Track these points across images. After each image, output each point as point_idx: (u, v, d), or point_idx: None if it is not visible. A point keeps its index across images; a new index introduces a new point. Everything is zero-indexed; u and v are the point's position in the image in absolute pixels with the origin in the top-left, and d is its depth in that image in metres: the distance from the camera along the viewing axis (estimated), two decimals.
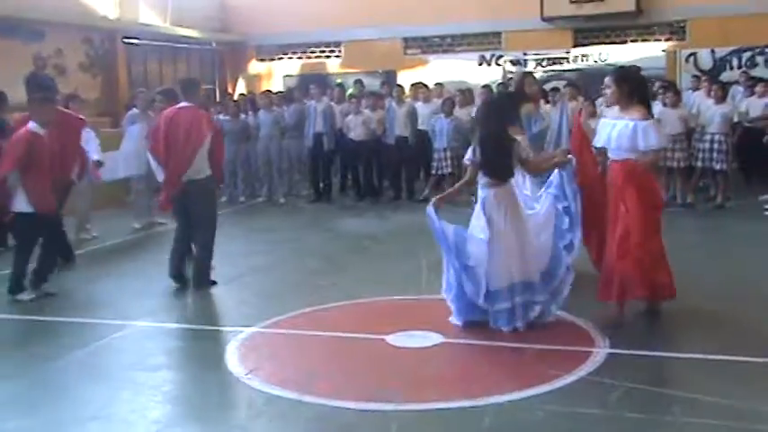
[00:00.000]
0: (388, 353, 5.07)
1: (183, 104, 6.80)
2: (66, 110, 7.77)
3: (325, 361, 5.01)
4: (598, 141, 5.58)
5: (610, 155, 5.50)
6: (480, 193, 5.42)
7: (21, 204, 6.37)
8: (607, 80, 5.52)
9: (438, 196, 5.70)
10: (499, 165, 5.33)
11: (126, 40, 14.36)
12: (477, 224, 5.36)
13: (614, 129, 5.38)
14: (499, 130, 5.40)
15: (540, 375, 4.50)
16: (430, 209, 5.35)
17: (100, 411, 4.32)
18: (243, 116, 12.32)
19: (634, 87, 5.43)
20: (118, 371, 4.93)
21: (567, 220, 5.44)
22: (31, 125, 6.46)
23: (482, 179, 5.38)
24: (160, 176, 6.81)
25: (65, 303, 6.51)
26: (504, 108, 5.78)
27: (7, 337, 5.70)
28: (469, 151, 5.51)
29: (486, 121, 5.56)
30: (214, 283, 6.86)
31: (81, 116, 8.13)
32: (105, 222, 7.27)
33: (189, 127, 6.59)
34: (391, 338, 5.24)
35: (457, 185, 5.96)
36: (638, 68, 5.96)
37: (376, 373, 4.76)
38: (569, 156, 5.69)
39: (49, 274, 6.69)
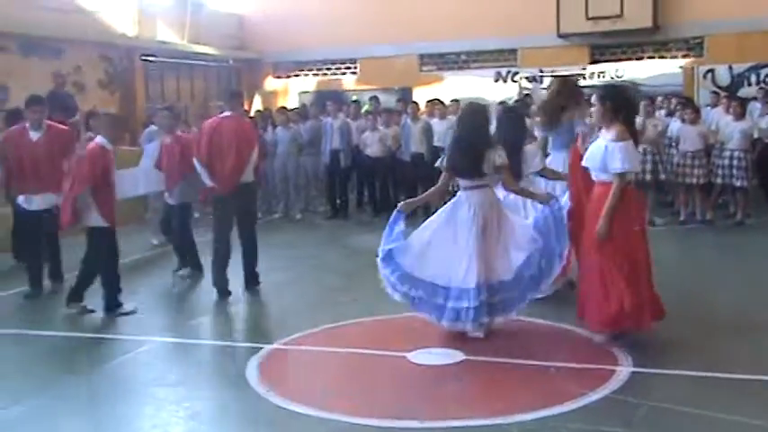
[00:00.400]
0: (410, 370, 5.04)
1: (226, 114, 7.22)
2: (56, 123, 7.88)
3: (345, 378, 4.99)
4: (584, 161, 5.46)
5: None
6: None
7: (94, 219, 6.42)
8: (593, 98, 5.39)
9: (407, 201, 5.82)
10: (465, 166, 5.43)
11: (144, 58, 14.48)
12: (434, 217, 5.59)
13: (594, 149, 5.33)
14: (473, 134, 5.46)
15: (564, 393, 4.45)
16: (396, 211, 5.57)
17: (123, 427, 4.33)
18: (260, 132, 12.35)
19: (618, 106, 5.22)
20: (140, 386, 4.93)
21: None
22: (100, 140, 6.54)
23: (459, 182, 5.58)
24: (207, 180, 7.11)
25: (86, 319, 6.52)
26: (484, 115, 5.61)
27: (31, 352, 5.71)
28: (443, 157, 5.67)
29: (462, 124, 5.66)
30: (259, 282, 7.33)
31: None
32: (124, 239, 7.27)
33: (237, 134, 7.05)
34: (412, 355, 5.21)
35: (429, 191, 6.01)
36: (628, 86, 5.65)
37: (398, 391, 4.74)
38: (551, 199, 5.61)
39: (86, 290, 6.66)
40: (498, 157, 5.43)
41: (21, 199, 7.31)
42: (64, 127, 7.77)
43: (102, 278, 6.51)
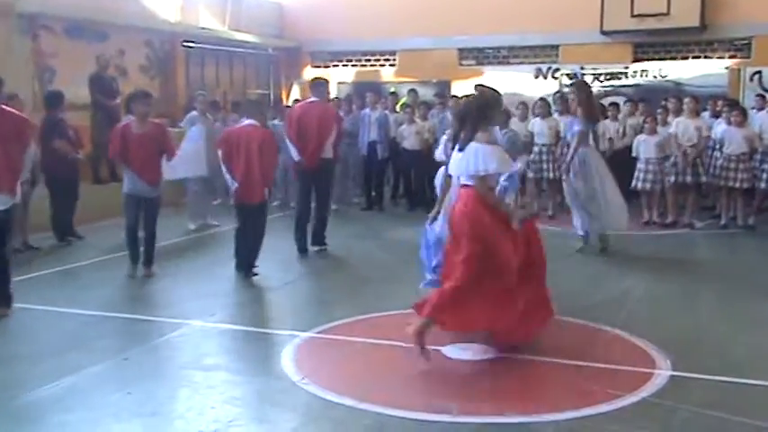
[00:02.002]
0: (444, 364, 5.03)
1: (312, 99, 8.63)
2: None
3: (380, 369, 4.99)
4: (449, 168, 5.43)
5: None
6: None
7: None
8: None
9: (431, 214, 6.02)
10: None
11: (185, 44, 14.59)
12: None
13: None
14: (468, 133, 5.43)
15: (600, 395, 4.42)
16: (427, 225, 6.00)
17: (159, 408, 4.38)
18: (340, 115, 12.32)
19: (480, 111, 5.09)
20: (176, 369, 4.98)
21: None
22: (250, 122, 7.35)
23: None
24: (295, 156, 8.40)
25: (123, 301, 6.62)
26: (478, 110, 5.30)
27: (69, 331, 5.80)
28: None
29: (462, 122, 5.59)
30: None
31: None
32: (161, 223, 7.38)
33: (319, 118, 8.34)
34: (447, 350, 5.21)
35: (440, 197, 6.03)
36: (488, 90, 5.34)
37: (432, 384, 4.74)
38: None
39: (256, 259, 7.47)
40: None
41: None
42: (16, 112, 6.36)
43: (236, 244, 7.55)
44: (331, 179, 8.93)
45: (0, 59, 10.28)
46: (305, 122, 8.29)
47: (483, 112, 5.09)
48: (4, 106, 6.16)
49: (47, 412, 4.27)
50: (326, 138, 8.32)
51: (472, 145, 4.97)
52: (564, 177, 8.53)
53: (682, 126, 9.97)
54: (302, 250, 8.39)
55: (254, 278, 7.30)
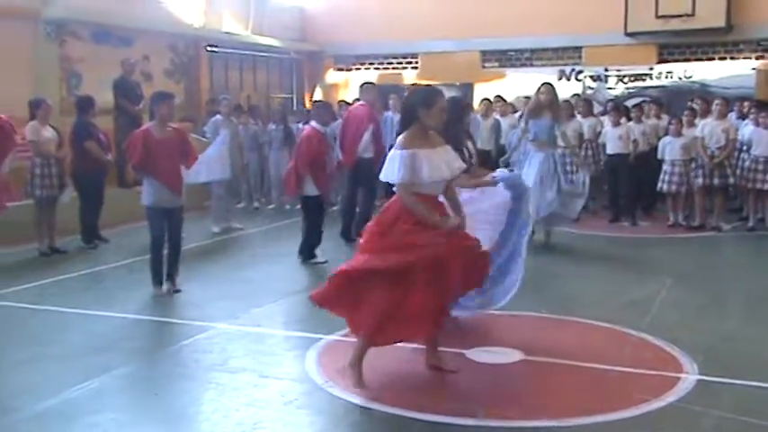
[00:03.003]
0: (468, 367, 5.02)
1: (359, 103, 9.32)
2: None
3: (404, 372, 4.98)
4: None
5: None
6: None
7: (310, 189, 7.92)
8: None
9: None
10: None
11: (209, 48, 14.70)
12: None
13: None
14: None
15: (626, 399, 4.38)
16: None
17: (186, 410, 4.42)
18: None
19: (406, 110, 4.74)
20: (202, 371, 5.01)
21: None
22: (314, 124, 7.99)
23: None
24: (339, 154, 9.34)
25: (150, 303, 6.67)
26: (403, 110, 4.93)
27: (98, 333, 5.86)
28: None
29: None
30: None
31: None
32: (185, 226, 7.43)
33: (359, 119, 9.08)
34: (470, 353, 5.19)
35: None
36: (422, 88, 5.01)
37: (456, 387, 4.72)
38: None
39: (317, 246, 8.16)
40: None
41: None
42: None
43: (306, 233, 8.18)
44: (373, 178, 9.05)
45: (28, 65, 10.44)
46: (347, 124, 9.21)
47: (410, 113, 4.64)
48: None
49: (75, 414, 4.31)
50: (360, 137, 8.96)
51: (392, 150, 4.61)
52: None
53: (708, 128, 9.87)
54: (349, 240, 9.01)
55: (279, 280, 7.33)
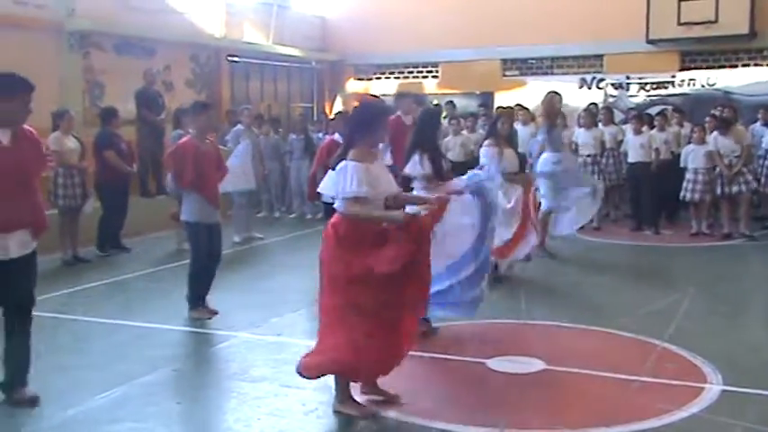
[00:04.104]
0: (489, 377, 5.00)
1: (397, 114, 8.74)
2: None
3: (425, 381, 4.98)
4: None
5: None
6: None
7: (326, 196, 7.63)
8: None
9: None
10: None
11: (230, 58, 14.81)
12: None
13: None
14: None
15: (648, 409, 4.34)
16: None
17: (208, 419, 4.45)
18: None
19: (356, 124, 4.54)
20: (224, 380, 5.04)
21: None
22: (336, 137, 7.47)
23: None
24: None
25: (172, 312, 6.70)
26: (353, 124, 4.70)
27: (120, 341, 5.90)
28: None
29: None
30: None
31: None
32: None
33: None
34: (492, 362, 5.17)
35: None
36: (372, 102, 4.88)
37: (477, 398, 4.70)
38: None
39: None
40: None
41: None
42: None
43: None
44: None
45: (52, 76, 10.56)
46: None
47: (361, 126, 4.44)
48: None
49: (98, 422, 4.34)
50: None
51: (343, 163, 4.34)
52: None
53: (721, 138, 9.82)
54: None
55: (299, 290, 7.33)
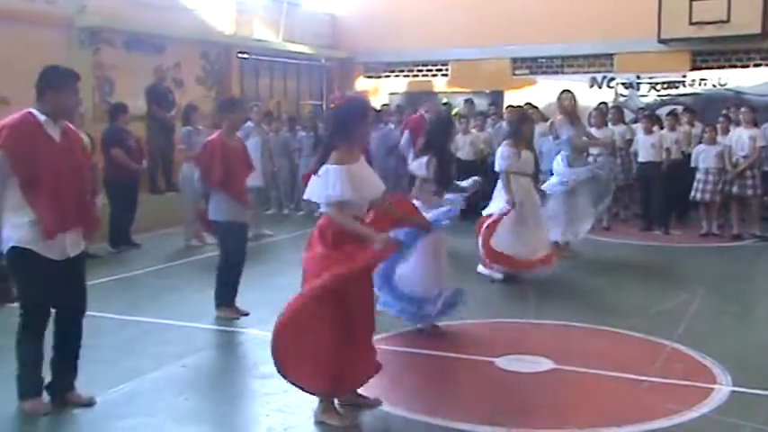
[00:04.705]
0: (498, 376, 5.00)
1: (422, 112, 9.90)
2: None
3: (434, 380, 4.97)
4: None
5: None
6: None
7: None
8: None
9: None
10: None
11: (240, 55, 14.82)
12: None
13: None
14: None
15: (657, 409, 4.33)
16: None
17: (216, 415, 4.46)
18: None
19: (337, 125, 4.35)
20: (232, 377, 5.05)
21: None
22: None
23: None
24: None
25: (181, 309, 6.72)
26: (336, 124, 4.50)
27: (129, 337, 5.93)
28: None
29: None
30: None
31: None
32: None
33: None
34: (500, 361, 5.17)
35: None
36: (355, 99, 4.63)
37: (485, 396, 4.70)
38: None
39: None
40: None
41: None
42: None
43: None
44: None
45: None
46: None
47: (340, 127, 4.30)
48: None
49: (107, 417, 4.36)
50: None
51: (325, 167, 4.22)
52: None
53: (736, 136, 9.77)
54: None
55: None
